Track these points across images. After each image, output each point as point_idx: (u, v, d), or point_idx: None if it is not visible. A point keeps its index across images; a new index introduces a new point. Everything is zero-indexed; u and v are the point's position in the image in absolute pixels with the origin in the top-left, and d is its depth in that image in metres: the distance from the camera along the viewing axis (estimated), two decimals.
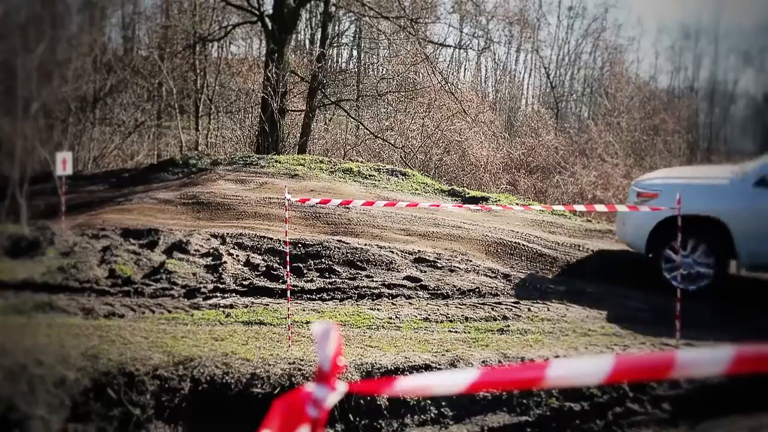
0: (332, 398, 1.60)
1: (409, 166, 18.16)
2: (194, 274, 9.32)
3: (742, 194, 8.36)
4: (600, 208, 9.96)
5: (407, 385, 1.84)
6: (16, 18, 15.72)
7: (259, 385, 6.07)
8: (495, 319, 7.87)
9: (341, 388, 1.61)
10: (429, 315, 8.00)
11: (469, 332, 7.47)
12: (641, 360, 2.01)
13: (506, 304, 8.32)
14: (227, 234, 10.44)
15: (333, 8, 21.91)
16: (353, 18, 26.71)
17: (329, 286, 9.00)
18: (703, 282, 8.40)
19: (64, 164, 11.29)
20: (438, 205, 8.66)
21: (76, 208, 12.27)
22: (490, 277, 9.23)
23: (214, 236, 10.38)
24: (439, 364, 6.51)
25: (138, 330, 7.02)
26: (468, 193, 13.76)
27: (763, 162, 8.52)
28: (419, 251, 9.93)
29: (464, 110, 21.56)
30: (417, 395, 5.78)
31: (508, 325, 7.60)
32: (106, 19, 24.38)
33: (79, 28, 21.90)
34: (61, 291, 8.82)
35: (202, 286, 8.95)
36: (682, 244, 7.84)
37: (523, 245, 10.29)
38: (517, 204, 12.71)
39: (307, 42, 30.38)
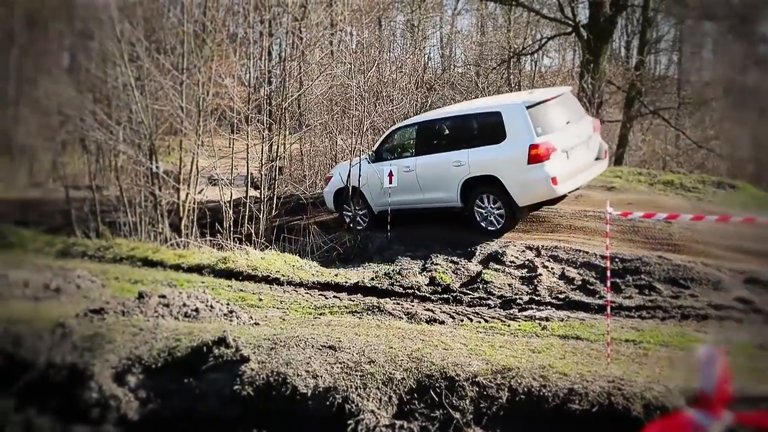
0: (717, 427, 1.48)
1: (739, 178, 16.62)
2: (510, 285, 9.43)
3: (365, 167, 12.65)
4: None
5: None
6: (350, 44, 17.30)
7: (577, 402, 5.91)
8: None
9: (727, 417, 1.49)
10: (766, 342, 7.22)
11: None
12: None
13: None
14: (542, 246, 10.42)
15: (652, 13, 20.90)
16: (673, 22, 25.23)
17: (649, 303, 8.56)
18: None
19: (390, 177, 12.10)
20: None
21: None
22: None
23: (529, 248, 10.42)
24: None
25: (458, 336, 7.25)
26: None
27: (376, 147, 12.98)
28: (752, 271, 9.03)
29: None
30: None
31: None
32: (426, 40, 25.85)
33: (403, 50, 23.47)
34: (388, 295, 9.46)
35: (517, 297, 9.02)
36: (352, 200, 12.84)
37: None
38: None
39: (623, 49, 29.31)
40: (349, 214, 12.98)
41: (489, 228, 11.42)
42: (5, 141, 19.88)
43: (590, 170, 11.85)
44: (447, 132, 12.23)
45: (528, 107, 11.06)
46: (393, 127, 13.26)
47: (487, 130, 11.48)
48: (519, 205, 11.19)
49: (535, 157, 10.77)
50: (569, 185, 11.27)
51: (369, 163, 12.76)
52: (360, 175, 12.60)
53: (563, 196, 12.06)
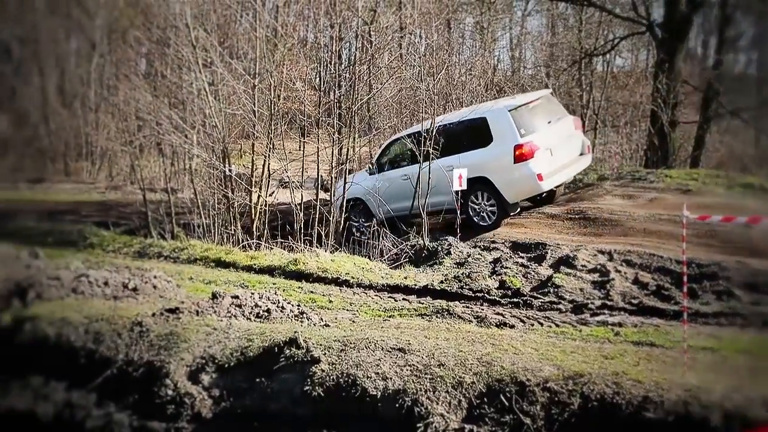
0: None
1: None
2: (581, 290, 9.27)
3: (366, 178, 13.89)
4: None
5: None
6: (419, 47, 17.30)
7: (652, 410, 5.77)
8: None
9: None
10: None
11: None
12: None
13: None
14: (614, 250, 10.21)
15: (730, 10, 20.23)
16: (753, 18, 24.36)
17: (728, 310, 8.28)
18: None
19: (460, 180, 12.05)
20: None
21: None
22: None
23: (601, 252, 10.23)
24: None
25: (528, 341, 7.16)
26: None
27: (373, 161, 14.31)
28: None
29: None
30: None
31: None
32: (495, 42, 25.66)
33: (472, 52, 23.35)
34: (457, 298, 9.41)
35: (589, 302, 8.85)
36: (357, 210, 13.86)
37: None
38: None
39: (699, 48, 28.46)
40: (356, 224, 13.77)
41: (482, 223, 12.51)
42: (87, 145, 20.63)
43: (574, 165, 12.97)
44: (440, 140, 12.83)
45: (510, 110, 12.18)
46: (390, 139, 14.20)
47: (475, 135, 12.53)
48: (509, 202, 12.33)
49: (520, 156, 11.92)
50: (555, 180, 12.48)
51: (370, 174, 13.91)
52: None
53: (553, 192, 13.35)
